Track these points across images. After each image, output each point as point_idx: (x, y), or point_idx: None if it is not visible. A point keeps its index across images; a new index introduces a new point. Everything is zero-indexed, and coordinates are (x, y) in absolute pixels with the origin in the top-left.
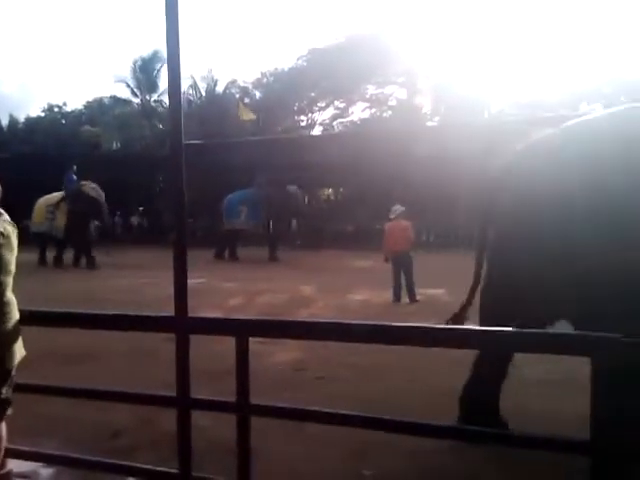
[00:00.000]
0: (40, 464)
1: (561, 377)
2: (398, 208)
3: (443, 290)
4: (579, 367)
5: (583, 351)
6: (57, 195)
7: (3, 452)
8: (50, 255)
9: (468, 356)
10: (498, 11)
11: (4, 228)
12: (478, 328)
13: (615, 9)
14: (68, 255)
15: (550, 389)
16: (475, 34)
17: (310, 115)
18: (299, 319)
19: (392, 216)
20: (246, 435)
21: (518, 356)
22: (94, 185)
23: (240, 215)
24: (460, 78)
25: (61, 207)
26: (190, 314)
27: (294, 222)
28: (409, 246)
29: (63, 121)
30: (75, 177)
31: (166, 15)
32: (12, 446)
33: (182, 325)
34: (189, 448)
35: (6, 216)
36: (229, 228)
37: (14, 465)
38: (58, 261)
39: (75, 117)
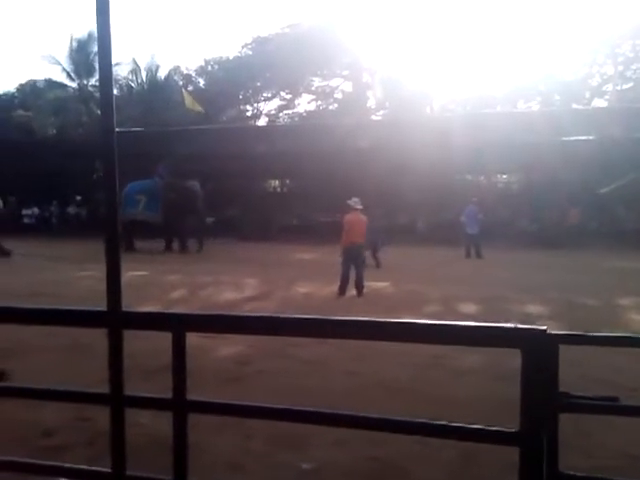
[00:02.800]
0: None
1: (489, 367)
2: (357, 201)
3: (387, 283)
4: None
5: (512, 344)
6: None
7: None
8: None
9: (412, 348)
10: (442, 9)
11: None
12: (415, 321)
13: (552, 8)
14: None
15: (478, 379)
16: (419, 31)
17: (255, 105)
18: (236, 313)
19: (358, 207)
20: (183, 432)
21: (446, 347)
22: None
23: (138, 205)
24: (404, 73)
25: None
26: (131, 308)
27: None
28: (364, 239)
29: None
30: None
31: None
32: None
33: (114, 320)
34: (123, 446)
35: None
36: (126, 219)
37: None
38: None
39: (7, 100)
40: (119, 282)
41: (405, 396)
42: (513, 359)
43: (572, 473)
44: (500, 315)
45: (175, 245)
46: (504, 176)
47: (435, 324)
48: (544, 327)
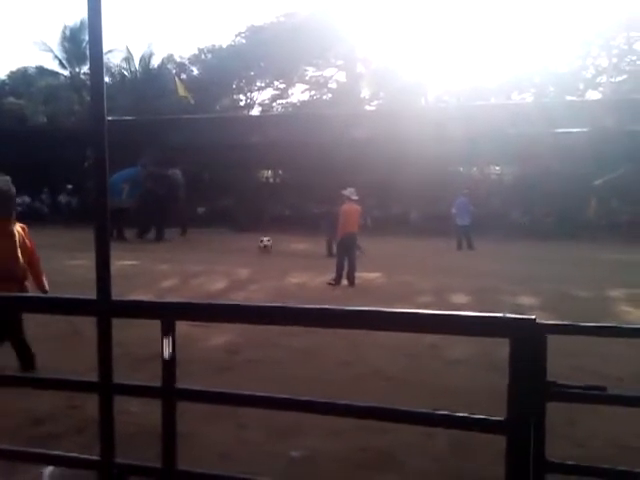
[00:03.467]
0: None
1: (482, 356)
2: (353, 191)
3: (379, 274)
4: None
5: (501, 333)
6: None
7: None
8: None
9: (404, 337)
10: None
11: None
12: (406, 310)
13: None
14: None
15: (471, 368)
16: (414, 21)
17: (249, 95)
18: (226, 302)
19: (354, 197)
20: (172, 420)
21: (437, 337)
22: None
23: (122, 193)
24: (399, 64)
25: None
26: (122, 297)
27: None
28: (358, 229)
29: None
30: None
31: None
32: None
33: (103, 308)
34: (112, 434)
35: None
36: (112, 207)
37: None
38: None
39: None
40: (109, 270)
41: (398, 385)
42: (506, 348)
43: (559, 461)
44: (491, 306)
45: (151, 234)
46: (497, 168)
47: (425, 313)
48: (533, 317)
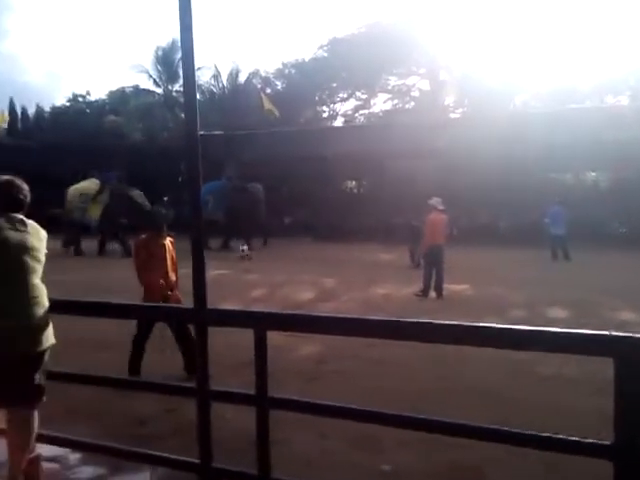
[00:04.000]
0: (68, 449)
1: (583, 375)
2: (439, 201)
3: (468, 286)
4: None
5: (605, 352)
6: (92, 187)
7: (34, 437)
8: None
9: (496, 353)
10: (523, 1)
11: (31, 224)
12: (497, 326)
13: None
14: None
15: (571, 387)
16: (499, 24)
17: (332, 106)
18: (316, 313)
19: (440, 207)
20: (265, 427)
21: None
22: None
23: (207, 205)
24: (484, 69)
25: (97, 200)
26: (215, 306)
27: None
28: (444, 239)
29: (87, 110)
30: (114, 174)
31: (179, 4)
32: (43, 432)
33: (201, 317)
34: (209, 439)
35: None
36: None
37: (42, 450)
38: (78, 250)
39: (98, 107)
40: (204, 281)
41: (490, 402)
42: (607, 366)
43: None
44: (591, 321)
45: (235, 244)
46: (593, 174)
47: (520, 329)
48: None
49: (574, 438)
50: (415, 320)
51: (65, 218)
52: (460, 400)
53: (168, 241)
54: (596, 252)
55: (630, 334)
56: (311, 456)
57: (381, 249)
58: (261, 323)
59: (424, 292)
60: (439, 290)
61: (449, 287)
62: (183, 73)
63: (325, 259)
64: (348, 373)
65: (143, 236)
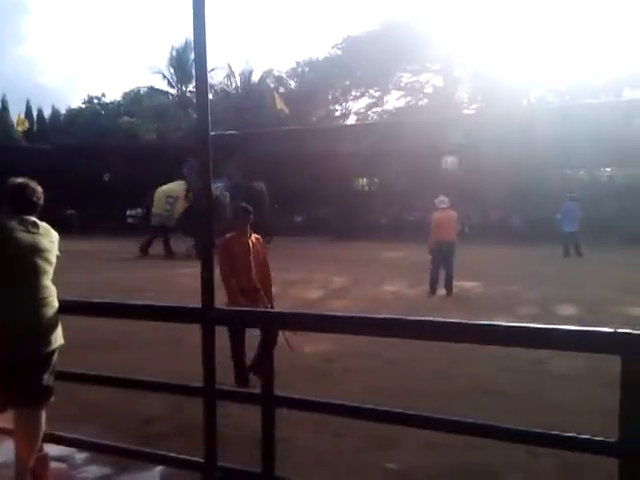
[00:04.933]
0: (74, 449)
1: (592, 373)
2: (444, 199)
3: (478, 283)
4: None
5: (611, 349)
6: (178, 188)
7: (41, 437)
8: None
9: (506, 352)
10: None
11: (43, 226)
12: (504, 324)
13: None
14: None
15: (580, 385)
16: (512, 19)
17: (344, 104)
18: (321, 312)
19: (442, 206)
20: (271, 426)
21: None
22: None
23: None
24: (498, 65)
25: (181, 199)
26: (222, 305)
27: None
28: (455, 236)
29: (102, 112)
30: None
31: (193, 4)
32: (50, 431)
33: (208, 316)
34: (214, 438)
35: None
36: None
37: (50, 449)
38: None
39: (113, 108)
40: (212, 280)
41: (499, 400)
42: (617, 364)
43: None
44: (603, 318)
45: None
46: (608, 170)
47: (528, 327)
48: None
49: (580, 436)
50: (416, 318)
51: (150, 221)
52: (468, 399)
53: (253, 238)
54: (609, 249)
55: (636, 331)
56: (322, 455)
57: (392, 247)
58: (269, 322)
59: (431, 289)
60: (449, 287)
61: (459, 284)
62: (195, 73)
63: (336, 257)
64: (356, 372)
65: (228, 235)
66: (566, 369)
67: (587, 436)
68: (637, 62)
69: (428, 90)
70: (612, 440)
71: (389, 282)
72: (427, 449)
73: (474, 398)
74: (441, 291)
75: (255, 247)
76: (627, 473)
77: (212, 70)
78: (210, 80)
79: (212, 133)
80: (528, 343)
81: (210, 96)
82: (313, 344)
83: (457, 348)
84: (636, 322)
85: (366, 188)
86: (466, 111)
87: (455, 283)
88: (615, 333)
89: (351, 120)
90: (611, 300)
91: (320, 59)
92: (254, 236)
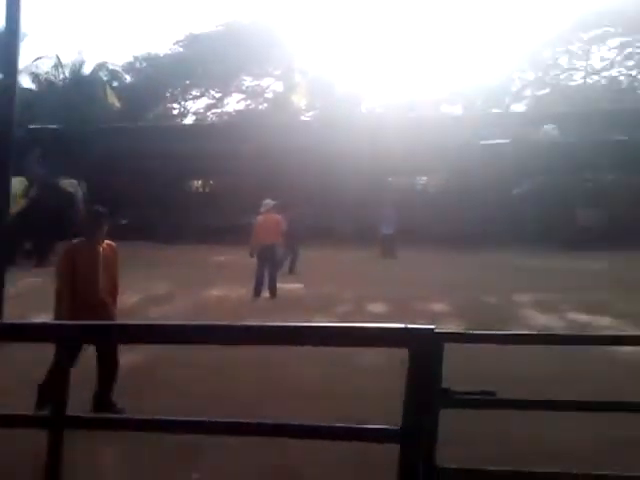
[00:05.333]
0: None
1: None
2: (269, 202)
3: (302, 285)
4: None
5: (400, 343)
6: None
7: None
8: None
9: (317, 349)
10: (375, 11)
11: None
12: (305, 325)
13: (478, 15)
14: None
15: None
16: (351, 33)
17: (183, 103)
18: (126, 322)
19: (262, 209)
20: (58, 451)
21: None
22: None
23: None
24: (335, 75)
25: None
26: (21, 320)
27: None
28: (279, 239)
29: None
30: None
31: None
32: None
33: None
34: None
35: None
36: None
37: None
38: None
39: None
40: (2, 293)
41: (305, 397)
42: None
43: (446, 466)
44: (408, 314)
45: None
46: (424, 178)
47: (327, 326)
48: (432, 326)
49: (369, 426)
50: (232, 324)
51: None
52: (278, 399)
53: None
54: (423, 251)
55: (421, 326)
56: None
57: (226, 250)
58: (64, 335)
59: (255, 292)
60: (272, 290)
61: (283, 287)
62: (4, 56)
63: (162, 261)
64: (172, 382)
65: (75, 241)
66: (368, 362)
67: (375, 426)
68: (454, 81)
69: (269, 95)
70: (397, 428)
71: (217, 286)
72: (234, 454)
73: (285, 398)
74: (265, 293)
75: (107, 256)
76: (405, 458)
77: (38, 59)
78: (34, 69)
79: (32, 127)
80: (331, 341)
81: (32, 86)
82: (125, 355)
83: (268, 349)
84: (437, 317)
85: (200, 190)
86: (304, 117)
87: (280, 285)
88: (404, 329)
89: (189, 120)
90: (418, 297)
91: (160, 55)
92: (106, 242)
